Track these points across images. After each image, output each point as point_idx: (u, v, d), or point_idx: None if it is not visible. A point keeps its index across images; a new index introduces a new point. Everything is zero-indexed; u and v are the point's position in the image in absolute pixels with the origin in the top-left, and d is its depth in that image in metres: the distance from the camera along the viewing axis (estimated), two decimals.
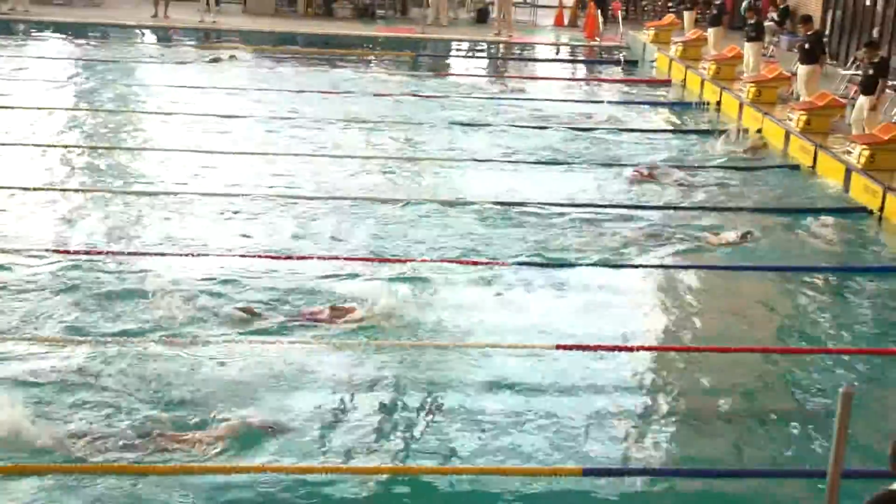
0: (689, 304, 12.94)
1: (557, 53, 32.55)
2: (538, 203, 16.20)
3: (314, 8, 33.94)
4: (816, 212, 16.83)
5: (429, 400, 10.04)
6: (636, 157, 19.62)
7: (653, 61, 29.68)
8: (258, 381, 10.10)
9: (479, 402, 10.06)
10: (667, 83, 27.35)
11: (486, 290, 12.80)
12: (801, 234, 15.74)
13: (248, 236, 14.21)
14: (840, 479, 5.68)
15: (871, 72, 19.44)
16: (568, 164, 18.97)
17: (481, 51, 31.90)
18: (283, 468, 8.70)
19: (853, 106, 20.43)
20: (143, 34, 30.90)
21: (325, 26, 31.85)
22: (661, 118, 23.62)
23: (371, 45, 30.71)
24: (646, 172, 18.14)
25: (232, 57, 27.29)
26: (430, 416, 9.74)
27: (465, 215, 15.57)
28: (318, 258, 13.37)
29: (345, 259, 13.37)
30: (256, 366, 10.41)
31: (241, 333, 11.10)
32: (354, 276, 12.88)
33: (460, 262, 13.46)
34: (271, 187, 16.50)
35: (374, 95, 23.94)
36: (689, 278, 13.74)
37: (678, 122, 23.25)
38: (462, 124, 21.44)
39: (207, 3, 31.49)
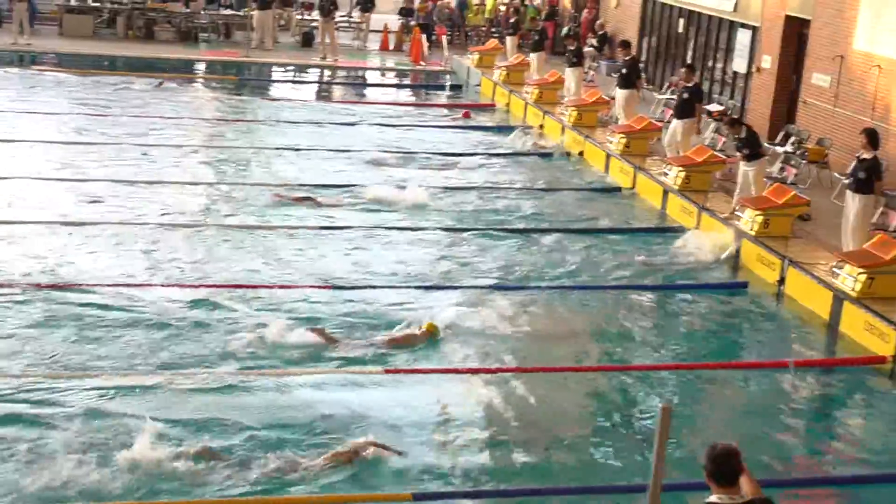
0: (510, 324, 13.01)
1: (383, 77, 32.67)
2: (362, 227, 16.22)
3: (134, 31, 33.12)
4: (636, 231, 17.34)
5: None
6: (464, 180, 19.87)
7: (477, 85, 30.10)
8: None
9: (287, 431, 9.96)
10: (491, 107, 27.76)
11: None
12: (622, 253, 16.14)
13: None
14: (660, 492, 5.78)
15: (685, 96, 20.18)
16: (395, 185, 19.04)
17: (307, 75, 31.73)
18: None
19: (668, 128, 21.15)
20: None
21: (146, 49, 31.12)
22: (487, 141, 23.89)
23: (194, 69, 30.16)
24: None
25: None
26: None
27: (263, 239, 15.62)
28: None
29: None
30: None
31: None
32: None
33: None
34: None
35: (195, 119, 23.50)
36: (508, 299, 13.87)
37: (501, 144, 23.57)
38: (286, 149, 21.22)
39: (21, 25, 30.35)
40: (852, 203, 14.97)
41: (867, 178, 14.78)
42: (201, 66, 30.57)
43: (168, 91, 26.35)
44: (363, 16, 35.59)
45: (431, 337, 12.18)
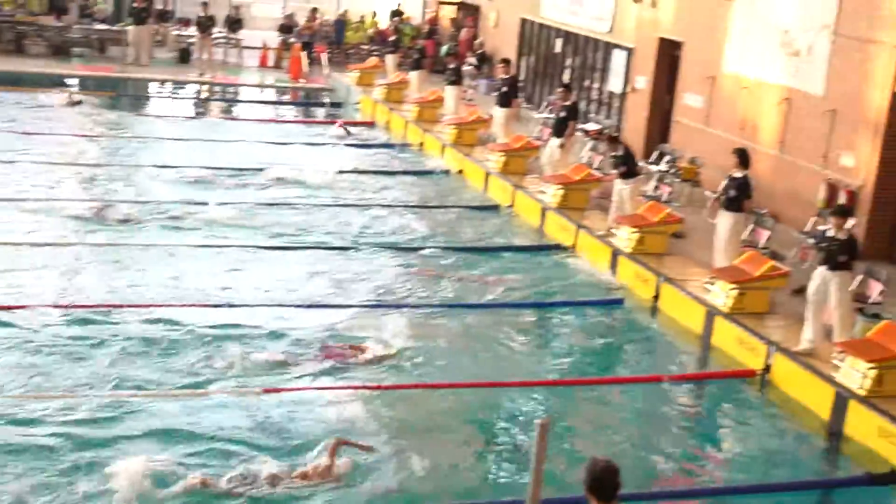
0: (389, 342, 12.95)
1: (262, 94, 32.37)
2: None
3: (3, 44, 32.19)
4: (515, 250, 17.49)
5: None
6: (342, 197, 19.82)
7: (357, 103, 30.07)
8: None
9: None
10: (370, 125, 27.76)
11: None
12: (502, 272, 16.26)
13: None
14: None
15: (562, 115, 20.48)
16: (274, 205, 18.90)
17: (184, 91, 31.25)
18: None
19: (546, 147, 21.43)
20: None
21: (15, 63, 30.26)
22: (365, 157, 23.85)
23: (68, 84, 29.43)
24: None
25: None
26: None
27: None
28: None
29: None
30: None
31: None
32: None
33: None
34: None
35: (69, 136, 22.93)
36: (387, 317, 13.84)
37: (383, 162, 23.56)
38: (162, 166, 20.86)
39: None
40: (724, 221, 15.35)
41: (738, 197, 15.19)
42: (74, 82, 29.79)
43: (41, 107, 25.65)
44: (230, 35, 35.06)
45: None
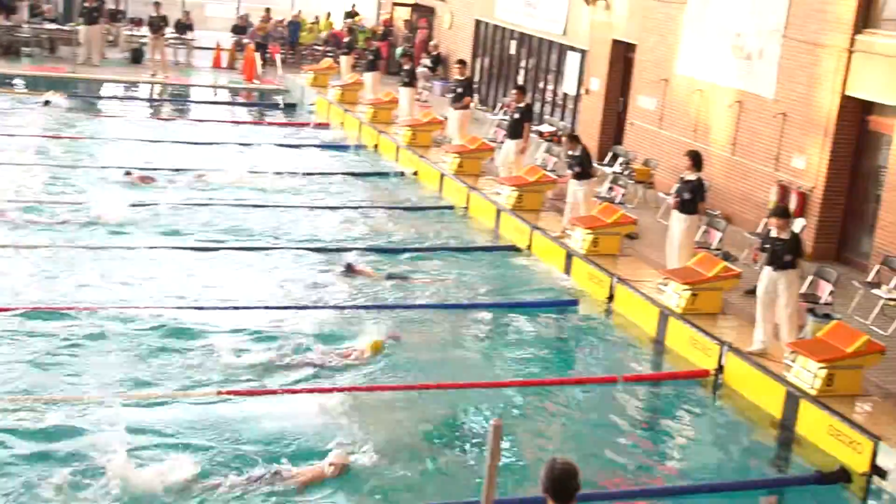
0: (348, 343, 13.01)
1: (216, 95, 32.17)
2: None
3: None
4: (470, 251, 17.53)
5: None
6: (299, 199, 19.78)
7: (311, 105, 29.99)
8: None
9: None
10: (325, 126, 27.69)
11: None
12: (458, 273, 16.29)
13: None
14: None
15: (517, 116, 20.54)
16: (229, 205, 18.84)
17: (136, 91, 30.97)
18: None
19: (501, 149, 21.51)
20: None
21: None
22: (321, 160, 23.80)
23: (16, 85, 29.07)
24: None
25: None
26: None
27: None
28: None
29: None
30: None
31: None
32: None
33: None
34: None
35: (19, 136, 22.68)
36: (344, 318, 13.85)
37: (338, 164, 23.53)
38: (116, 168, 20.68)
39: None
40: (677, 222, 15.48)
41: (692, 199, 15.31)
42: (21, 82, 29.41)
43: None
44: (180, 37, 34.68)
45: (376, 353, 12.57)
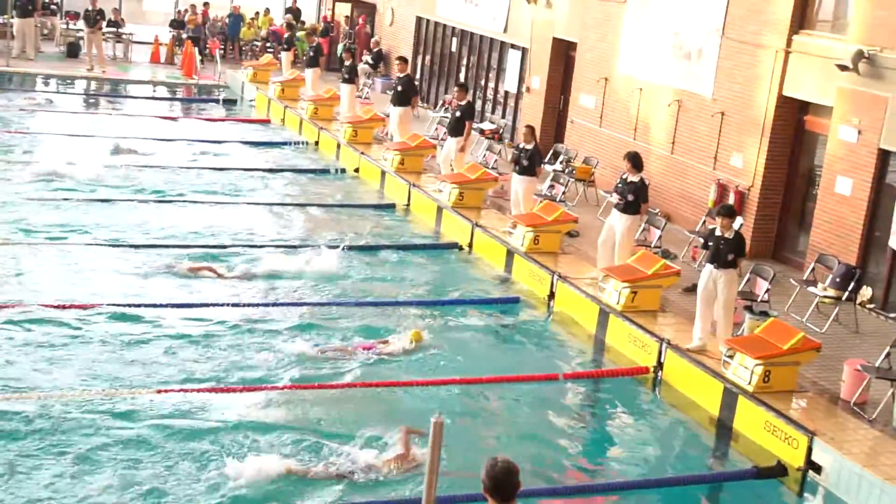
0: (284, 342, 12.96)
1: (154, 91, 31.82)
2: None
3: None
4: (412, 249, 17.53)
5: None
6: (240, 195, 19.67)
7: (252, 101, 29.79)
8: None
9: None
10: (265, 122, 27.53)
11: None
12: (397, 271, 16.29)
13: None
14: None
15: (458, 114, 20.57)
16: (173, 201, 18.66)
17: (73, 86, 30.56)
18: None
19: (443, 146, 21.54)
20: None
21: None
22: (261, 157, 23.66)
23: None
24: None
25: None
26: None
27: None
28: None
29: None
30: None
31: None
32: None
33: None
34: None
35: None
36: (285, 315, 13.84)
37: (278, 161, 23.40)
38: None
39: None
40: (619, 222, 15.53)
41: (635, 200, 15.39)
42: None
43: None
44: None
45: (418, 343, 13.09)
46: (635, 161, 15.54)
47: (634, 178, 15.45)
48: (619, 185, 15.59)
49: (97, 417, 10.48)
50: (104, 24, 32.67)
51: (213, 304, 13.84)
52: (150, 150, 22.54)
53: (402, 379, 12.24)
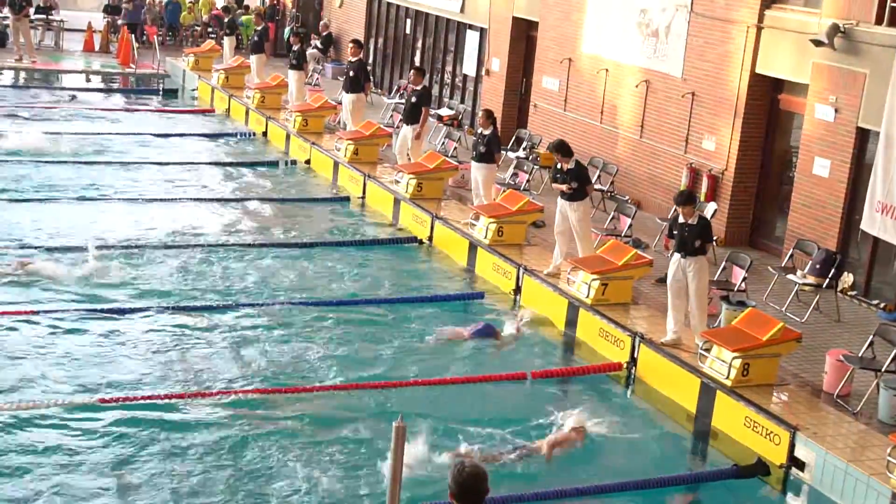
0: (243, 342, 12.95)
1: (89, 81, 31.53)
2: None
3: None
4: (368, 244, 17.50)
5: None
6: (184, 191, 19.55)
7: (194, 90, 29.62)
8: None
9: None
10: (210, 112, 27.37)
11: None
12: (355, 267, 16.25)
13: None
14: None
15: (414, 100, 20.50)
16: (106, 199, 18.53)
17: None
18: None
19: (398, 134, 21.50)
20: None
21: None
22: (208, 149, 23.53)
23: None
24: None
25: None
26: None
27: None
28: None
29: None
30: None
31: None
32: None
33: None
34: None
35: None
36: (238, 316, 13.78)
37: (225, 153, 23.29)
38: None
39: None
40: (571, 212, 15.37)
41: (580, 186, 15.32)
42: None
43: None
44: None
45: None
46: (562, 149, 15.37)
47: (570, 166, 15.33)
48: (559, 176, 15.44)
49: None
50: (31, 10, 32.31)
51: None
52: (84, 147, 22.34)
53: (363, 381, 12.23)
